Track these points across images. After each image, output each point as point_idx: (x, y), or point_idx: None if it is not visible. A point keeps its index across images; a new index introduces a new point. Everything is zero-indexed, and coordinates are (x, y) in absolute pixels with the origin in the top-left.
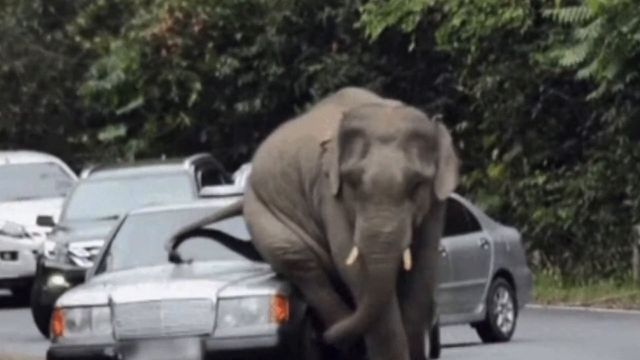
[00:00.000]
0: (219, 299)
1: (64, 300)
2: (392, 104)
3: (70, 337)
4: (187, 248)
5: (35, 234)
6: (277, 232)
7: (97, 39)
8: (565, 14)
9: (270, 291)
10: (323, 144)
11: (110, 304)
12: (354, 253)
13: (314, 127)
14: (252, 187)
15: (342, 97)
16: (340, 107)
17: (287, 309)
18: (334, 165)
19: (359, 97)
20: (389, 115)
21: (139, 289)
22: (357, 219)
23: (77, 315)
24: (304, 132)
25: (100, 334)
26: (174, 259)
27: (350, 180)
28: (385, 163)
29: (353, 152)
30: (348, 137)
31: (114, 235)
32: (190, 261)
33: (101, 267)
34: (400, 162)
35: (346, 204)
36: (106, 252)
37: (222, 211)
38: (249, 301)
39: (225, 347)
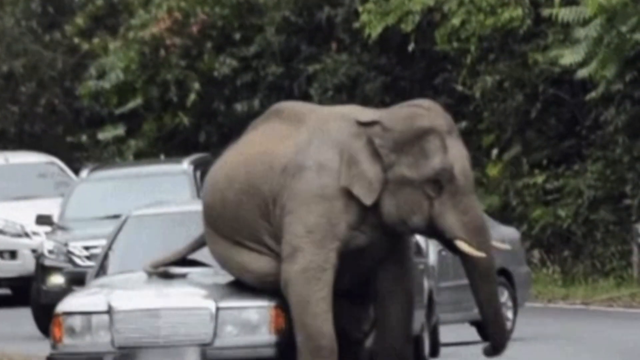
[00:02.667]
0: (218, 308)
1: (63, 306)
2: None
3: (69, 344)
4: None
5: (35, 233)
6: (258, 267)
7: (95, 40)
8: (565, 13)
9: (270, 302)
10: (364, 124)
11: (110, 311)
12: (466, 245)
13: (263, 144)
14: (208, 225)
15: (280, 112)
16: (285, 122)
17: (287, 320)
18: (369, 174)
19: (298, 108)
20: (434, 108)
21: (138, 297)
22: (448, 215)
23: (76, 322)
24: (250, 152)
25: (100, 342)
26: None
27: (440, 179)
28: (463, 154)
29: (432, 151)
30: (415, 138)
31: (115, 237)
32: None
33: (102, 270)
34: (466, 153)
35: (400, 208)
36: (107, 254)
37: (195, 242)
38: (249, 312)
39: (225, 357)
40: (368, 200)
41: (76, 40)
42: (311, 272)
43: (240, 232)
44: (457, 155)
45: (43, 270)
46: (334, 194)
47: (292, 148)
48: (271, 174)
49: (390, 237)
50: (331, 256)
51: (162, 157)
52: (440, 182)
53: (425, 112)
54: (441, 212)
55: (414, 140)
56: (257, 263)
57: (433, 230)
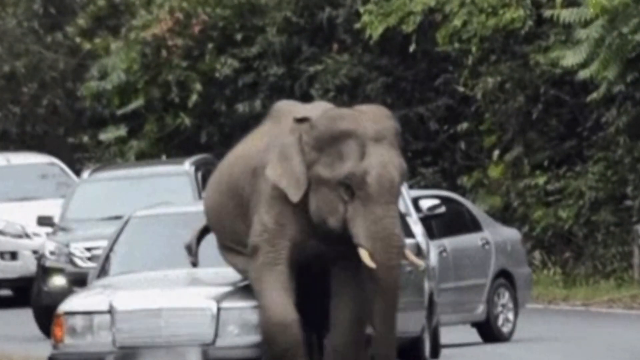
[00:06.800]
0: (219, 309)
1: (65, 306)
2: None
3: (71, 344)
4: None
5: (36, 234)
6: (240, 263)
7: (97, 40)
8: (566, 14)
9: None
10: (298, 120)
11: (111, 311)
12: (366, 254)
13: (247, 145)
14: (210, 227)
15: (272, 112)
16: (273, 124)
17: None
18: (296, 170)
19: (284, 107)
20: (372, 113)
21: (139, 297)
22: (358, 221)
23: (78, 322)
24: (237, 153)
25: (101, 342)
26: (191, 253)
27: (350, 184)
28: (385, 162)
29: (346, 155)
30: (334, 139)
31: (117, 238)
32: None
33: (103, 271)
34: (395, 161)
35: (319, 208)
36: (108, 254)
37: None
38: (250, 312)
39: (226, 357)
40: (294, 197)
41: (78, 40)
42: (266, 266)
43: (224, 234)
44: (375, 163)
45: (44, 271)
46: (284, 195)
47: (262, 148)
48: (245, 175)
49: (349, 239)
50: (283, 253)
51: (164, 157)
52: (351, 187)
53: (354, 115)
54: (352, 217)
55: (332, 142)
56: (237, 260)
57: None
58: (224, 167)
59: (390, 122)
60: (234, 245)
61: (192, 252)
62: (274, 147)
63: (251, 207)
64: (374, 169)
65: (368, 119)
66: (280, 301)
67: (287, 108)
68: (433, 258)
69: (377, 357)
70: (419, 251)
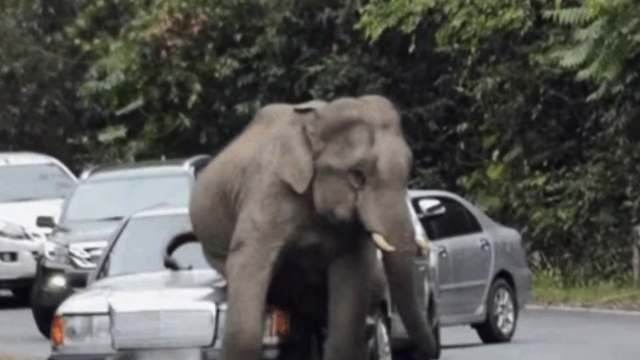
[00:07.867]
0: (218, 310)
1: (64, 308)
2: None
3: (70, 346)
4: (188, 254)
5: (35, 235)
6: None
7: (96, 40)
8: (566, 15)
9: (271, 304)
10: (300, 111)
11: (110, 312)
12: (381, 239)
13: (236, 149)
14: (196, 233)
15: (261, 116)
16: (264, 126)
17: (288, 321)
18: (301, 160)
19: (275, 110)
20: (376, 103)
21: (138, 298)
22: (370, 208)
23: (77, 324)
24: (225, 158)
25: (100, 343)
26: (171, 266)
27: (361, 170)
28: (394, 149)
29: (356, 142)
30: (343, 127)
31: (116, 239)
32: (189, 268)
33: (102, 272)
34: (403, 148)
35: (326, 198)
36: (108, 256)
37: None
38: None
39: None
40: (299, 188)
41: (77, 41)
42: (249, 268)
43: (213, 240)
44: (385, 149)
45: (44, 272)
46: (284, 193)
47: (255, 148)
48: (235, 174)
49: (347, 234)
50: (272, 254)
51: (163, 158)
52: (362, 173)
53: (360, 104)
54: (363, 204)
55: (340, 130)
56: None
57: (359, 223)
58: (212, 170)
59: (393, 111)
60: (223, 251)
61: (174, 263)
62: (274, 143)
63: (237, 204)
64: (384, 156)
65: (373, 107)
66: (254, 317)
67: (279, 109)
68: (433, 259)
69: (416, 345)
70: (419, 251)
